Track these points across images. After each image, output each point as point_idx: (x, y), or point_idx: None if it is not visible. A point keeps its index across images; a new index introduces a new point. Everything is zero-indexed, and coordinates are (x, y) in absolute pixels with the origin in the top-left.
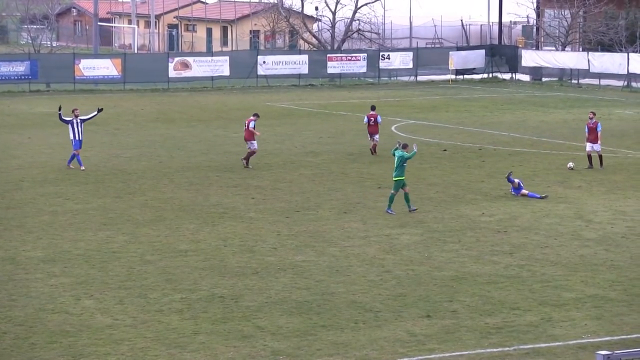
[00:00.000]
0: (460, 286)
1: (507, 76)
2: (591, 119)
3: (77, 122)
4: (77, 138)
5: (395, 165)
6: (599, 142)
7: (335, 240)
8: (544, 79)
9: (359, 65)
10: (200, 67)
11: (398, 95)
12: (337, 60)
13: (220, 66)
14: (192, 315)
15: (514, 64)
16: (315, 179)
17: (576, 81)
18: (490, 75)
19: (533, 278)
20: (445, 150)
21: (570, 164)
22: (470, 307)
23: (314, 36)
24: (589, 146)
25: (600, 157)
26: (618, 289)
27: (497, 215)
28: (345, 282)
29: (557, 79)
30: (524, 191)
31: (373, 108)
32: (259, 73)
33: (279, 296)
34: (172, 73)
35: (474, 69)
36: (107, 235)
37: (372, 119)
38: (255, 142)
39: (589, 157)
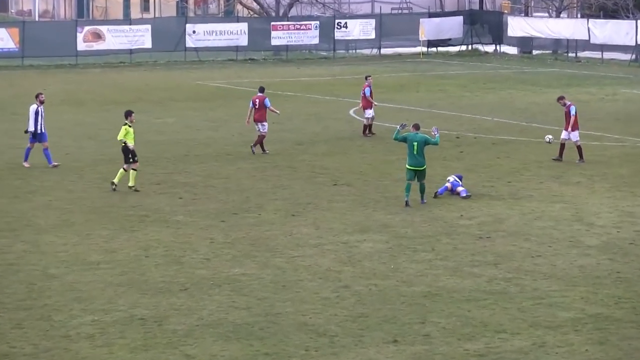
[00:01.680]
0: (434, 304)
1: (489, 48)
2: (564, 104)
3: (41, 111)
4: (39, 130)
5: (416, 151)
6: (570, 129)
7: (281, 249)
8: (534, 52)
9: (310, 36)
10: (116, 38)
11: (358, 72)
12: (283, 30)
13: (141, 37)
14: (106, 342)
15: (498, 34)
16: (257, 174)
17: (574, 54)
18: (470, 47)
19: (522, 294)
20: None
21: (549, 137)
22: (446, 330)
23: (255, 0)
24: (564, 134)
25: (579, 147)
26: (625, 307)
27: (478, 218)
28: (294, 300)
29: (550, 51)
30: (459, 188)
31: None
32: (187, 45)
33: (213, 318)
34: (81, 45)
35: (449, 39)
36: (3, 245)
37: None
38: (266, 124)
39: (562, 146)
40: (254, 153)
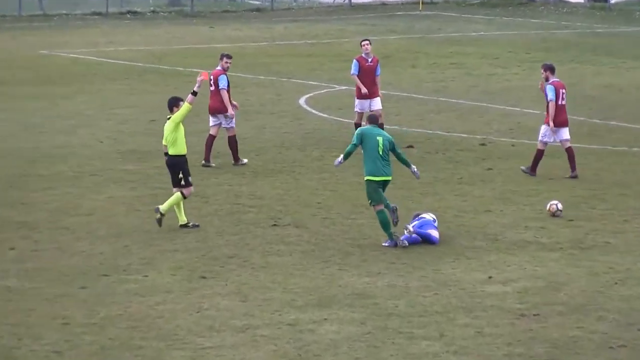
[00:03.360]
0: None
1: None
2: (546, 79)
3: None
4: None
5: (382, 151)
6: (551, 122)
7: (183, 336)
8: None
9: None
10: None
11: (313, 34)
12: None
13: None
14: None
15: None
16: (142, 206)
17: None
18: None
19: None
20: (410, 146)
21: (555, 205)
22: None
23: None
24: (543, 130)
25: (568, 152)
26: None
27: (518, 282)
28: None
29: None
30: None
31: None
32: None
33: None
34: None
35: None
36: None
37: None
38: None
39: (538, 153)
40: (206, 166)
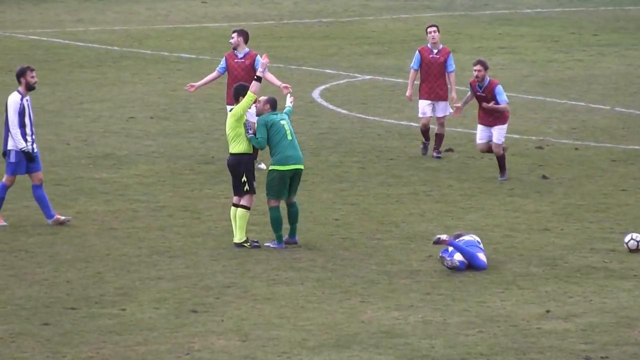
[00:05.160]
0: None
1: None
2: (477, 75)
3: (29, 105)
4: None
5: (291, 135)
6: (499, 124)
7: None
8: None
9: None
10: None
11: (330, 11)
12: None
13: None
14: None
15: None
16: (119, 224)
17: None
18: None
19: None
20: (450, 150)
21: (635, 242)
22: None
23: None
24: (481, 132)
25: (501, 158)
26: None
27: (583, 317)
28: None
29: None
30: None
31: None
32: None
33: None
34: None
35: None
36: None
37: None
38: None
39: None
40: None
